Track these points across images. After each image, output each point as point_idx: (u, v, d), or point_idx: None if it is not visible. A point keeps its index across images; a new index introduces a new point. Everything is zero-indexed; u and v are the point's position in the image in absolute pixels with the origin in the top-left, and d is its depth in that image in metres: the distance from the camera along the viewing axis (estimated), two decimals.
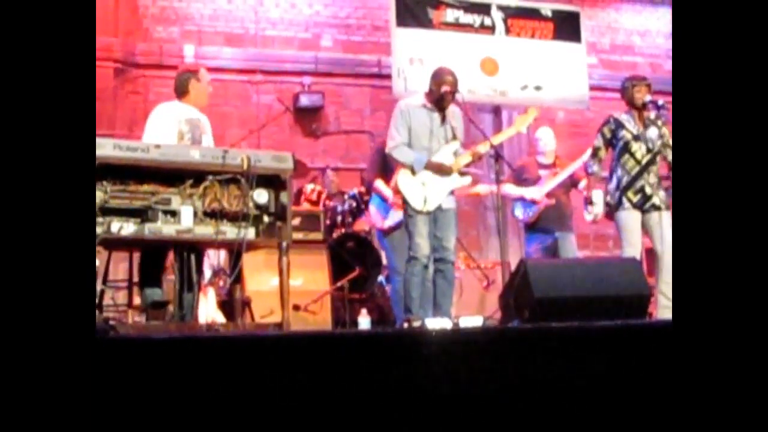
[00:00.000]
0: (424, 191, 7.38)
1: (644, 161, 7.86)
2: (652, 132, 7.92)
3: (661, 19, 14.70)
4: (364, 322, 8.30)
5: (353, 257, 9.18)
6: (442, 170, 7.44)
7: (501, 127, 12.72)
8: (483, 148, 7.69)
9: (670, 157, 7.91)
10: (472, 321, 6.90)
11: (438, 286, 7.48)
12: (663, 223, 7.71)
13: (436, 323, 6.75)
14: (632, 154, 7.89)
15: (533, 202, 9.23)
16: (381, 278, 9.49)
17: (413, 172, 7.41)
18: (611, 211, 7.92)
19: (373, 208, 8.96)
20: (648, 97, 8.03)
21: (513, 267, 6.92)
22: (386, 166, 8.25)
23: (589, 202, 7.99)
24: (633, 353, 4.46)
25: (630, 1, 14.53)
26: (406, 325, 7.11)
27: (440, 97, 7.52)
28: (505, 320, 6.15)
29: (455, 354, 4.10)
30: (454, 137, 7.64)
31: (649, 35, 14.60)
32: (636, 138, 7.91)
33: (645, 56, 14.51)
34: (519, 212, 9.39)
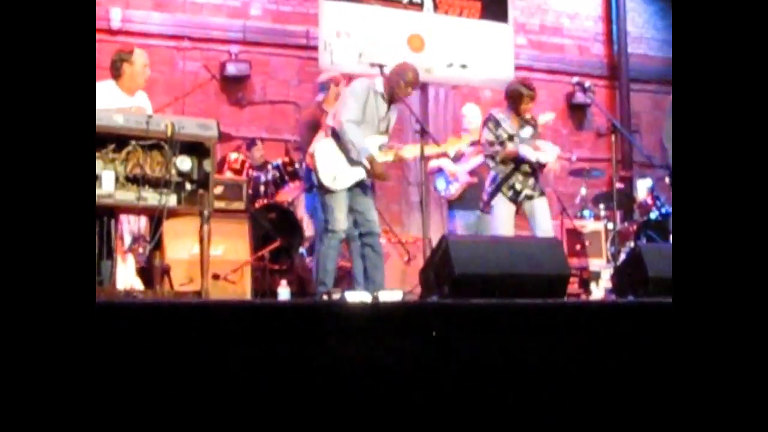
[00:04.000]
0: (337, 170, 7.40)
1: (517, 159, 8.27)
2: (526, 131, 8.37)
3: (591, 3, 14.80)
4: (284, 293, 8.29)
5: (275, 228, 9.15)
6: (378, 174, 7.49)
7: (427, 104, 12.79)
8: (408, 153, 7.79)
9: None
10: (391, 295, 6.92)
11: (369, 260, 7.53)
12: (537, 209, 8.29)
13: (355, 296, 6.76)
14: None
15: (453, 177, 9.27)
16: (302, 250, 9.49)
17: (345, 151, 7.42)
18: (487, 205, 8.40)
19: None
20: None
21: (435, 243, 6.94)
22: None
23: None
24: (550, 331, 4.49)
25: None
26: (325, 297, 7.11)
27: (395, 92, 7.56)
28: (424, 295, 6.16)
29: (373, 327, 4.10)
30: (387, 131, 7.68)
31: (578, 18, 14.68)
32: (510, 138, 8.30)
33: (573, 38, 14.60)
34: (440, 185, 9.43)
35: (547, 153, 8.28)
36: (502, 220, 8.27)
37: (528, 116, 8.48)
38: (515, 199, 8.26)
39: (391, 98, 7.66)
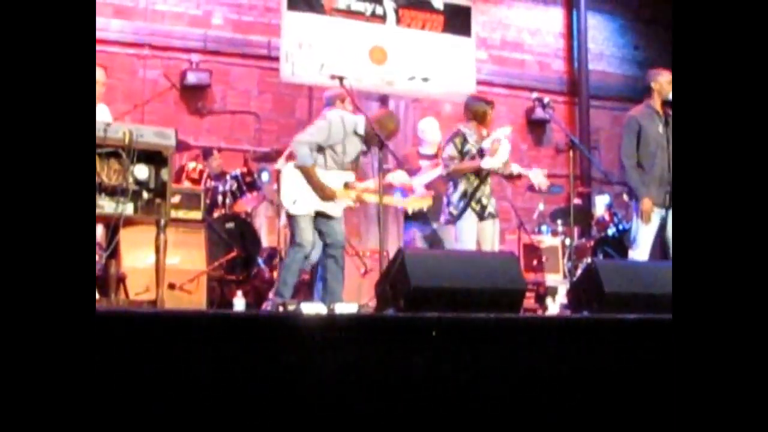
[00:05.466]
0: (298, 194, 7.40)
1: (483, 173, 8.50)
2: (487, 143, 8.55)
3: (552, 19, 14.87)
4: (239, 303, 8.26)
5: (232, 238, 9.14)
6: (323, 192, 7.47)
7: None
8: (369, 198, 7.80)
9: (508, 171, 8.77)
10: (347, 307, 6.91)
11: (330, 271, 7.53)
12: (494, 229, 8.59)
13: (311, 308, 6.75)
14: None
15: (409, 190, 9.28)
16: (260, 260, 9.46)
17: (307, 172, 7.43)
18: (454, 219, 8.53)
19: None
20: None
21: (392, 255, 6.94)
22: None
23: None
24: (505, 345, 4.50)
25: None
26: (281, 308, 7.10)
27: (374, 138, 7.60)
28: (380, 308, 6.15)
29: (329, 340, 4.10)
30: (354, 169, 7.69)
31: (539, 34, 14.73)
32: (480, 152, 8.56)
33: (534, 54, 14.64)
34: (397, 198, 9.44)
35: (500, 155, 8.49)
36: (468, 234, 8.44)
37: (485, 133, 8.69)
38: (482, 214, 8.47)
39: (368, 142, 7.66)
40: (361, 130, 7.71)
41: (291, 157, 7.56)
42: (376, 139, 7.64)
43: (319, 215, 7.54)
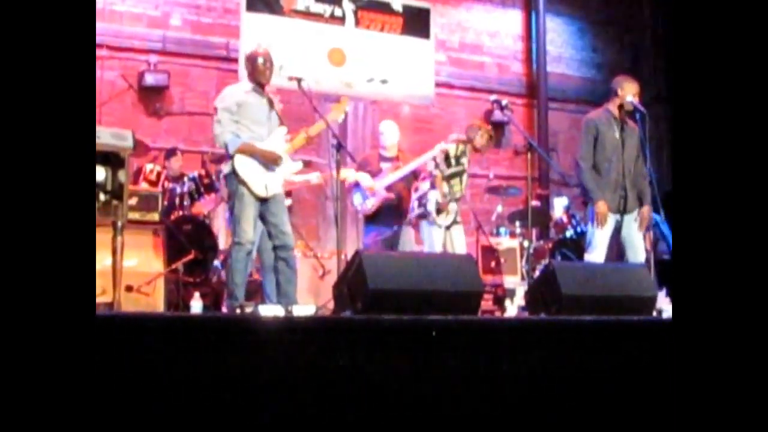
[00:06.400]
0: (265, 177, 7.34)
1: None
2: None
3: (511, 21, 14.90)
4: (197, 306, 8.23)
5: (189, 240, 9.09)
6: (272, 158, 7.42)
7: (346, 119, 12.73)
8: (314, 130, 7.76)
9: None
10: (304, 309, 6.90)
11: (282, 274, 7.47)
12: (462, 235, 9.04)
13: (268, 310, 6.74)
14: (460, 179, 9.04)
15: (370, 192, 9.28)
16: (217, 262, 9.43)
17: (250, 154, 7.35)
18: (434, 213, 8.89)
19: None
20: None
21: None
22: None
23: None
24: (462, 347, 4.51)
25: (481, 1, 14.67)
26: (238, 310, 7.07)
27: (255, 75, 7.58)
28: (338, 310, 6.15)
29: (287, 341, 4.10)
30: (280, 120, 7.64)
31: (498, 36, 14.76)
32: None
33: (493, 56, 14.66)
34: (357, 200, 9.43)
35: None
36: (436, 237, 8.84)
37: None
38: (454, 220, 8.94)
39: (256, 81, 7.63)
40: (247, 86, 7.66)
41: (230, 156, 7.46)
42: (256, 74, 7.60)
43: (270, 205, 7.46)
